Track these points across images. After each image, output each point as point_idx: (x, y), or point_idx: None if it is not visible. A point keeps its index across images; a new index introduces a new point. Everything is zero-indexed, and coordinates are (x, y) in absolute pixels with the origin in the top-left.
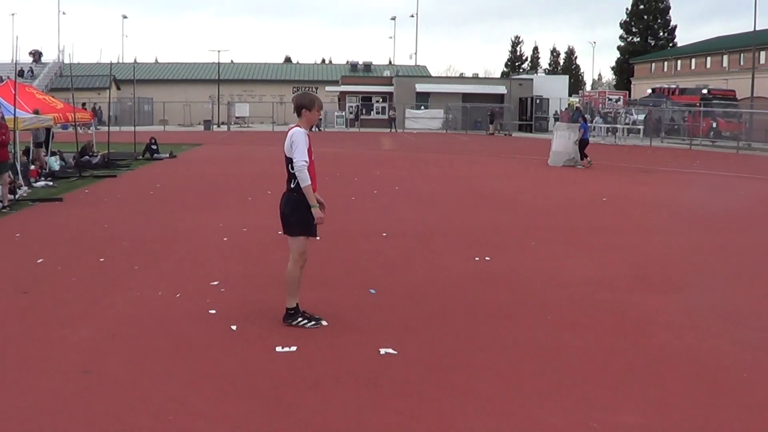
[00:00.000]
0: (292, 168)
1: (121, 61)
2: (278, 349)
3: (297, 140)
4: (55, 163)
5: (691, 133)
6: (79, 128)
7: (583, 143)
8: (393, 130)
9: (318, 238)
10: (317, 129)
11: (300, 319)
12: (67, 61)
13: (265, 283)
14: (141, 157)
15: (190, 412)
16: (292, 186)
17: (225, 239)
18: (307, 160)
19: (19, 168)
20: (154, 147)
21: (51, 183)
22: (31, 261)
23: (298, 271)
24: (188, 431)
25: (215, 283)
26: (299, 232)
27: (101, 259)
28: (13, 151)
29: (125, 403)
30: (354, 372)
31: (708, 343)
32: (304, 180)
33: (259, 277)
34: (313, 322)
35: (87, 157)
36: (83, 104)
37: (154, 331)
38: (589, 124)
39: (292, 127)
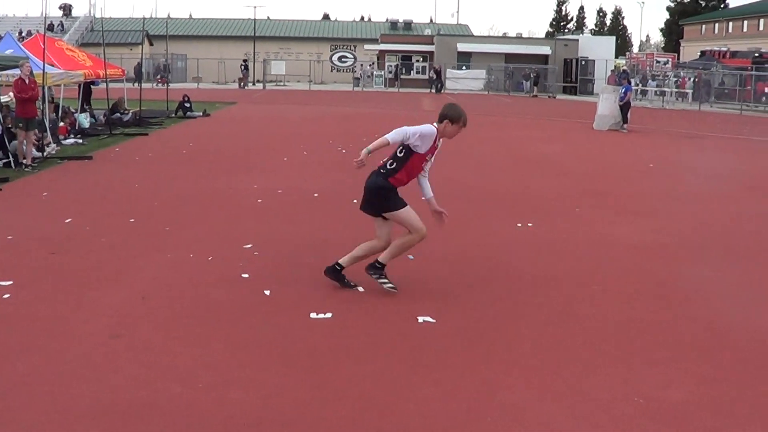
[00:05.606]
0: (400, 152)
1: (154, 16)
2: (313, 315)
3: (420, 128)
4: (84, 120)
5: (742, 98)
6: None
7: (626, 106)
8: (432, 90)
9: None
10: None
11: (382, 277)
12: (98, 15)
13: (300, 246)
14: (173, 115)
15: (222, 379)
16: (389, 165)
17: (259, 201)
18: (403, 139)
19: (47, 125)
20: (187, 105)
21: (80, 140)
22: (59, 221)
23: (419, 241)
24: (219, 399)
25: (248, 246)
26: (397, 207)
27: (131, 220)
28: (41, 107)
29: (155, 368)
30: (391, 341)
31: (763, 317)
32: (389, 137)
33: (293, 240)
34: (391, 285)
35: (118, 114)
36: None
37: (185, 295)
38: (635, 87)
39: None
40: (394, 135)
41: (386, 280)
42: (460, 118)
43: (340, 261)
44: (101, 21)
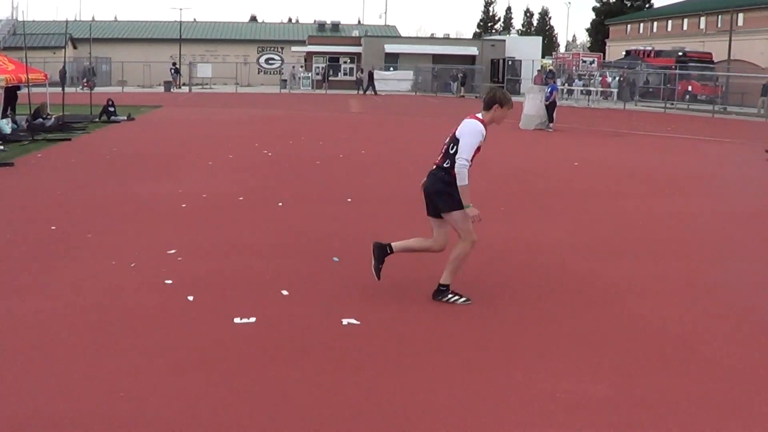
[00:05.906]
0: (452, 149)
1: (78, 18)
2: (237, 320)
3: (468, 132)
4: (6, 125)
5: (666, 97)
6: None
7: (552, 105)
8: (360, 92)
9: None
10: (372, 92)
11: (450, 295)
12: (20, 18)
13: (225, 251)
14: (97, 120)
15: (143, 387)
16: (445, 165)
17: (183, 206)
18: (470, 160)
19: None
20: (112, 109)
21: (1, 147)
22: None
23: (470, 248)
24: (140, 408)
25: (172, 251)
26: (454, 207)
27: (53, 227)
28: None
29: (74, 379)
30: (315, 344)
31: (680, 312)
32: (462, 179)
33: (218, 245)
34: (464, 299)
35: (40, 119)
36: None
37: (106, 302)
38: (561, 87)
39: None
40: (464, 173)
41: (457, 297)
42: (509, 100)
43: (393, 244)
44: (23, 24)
